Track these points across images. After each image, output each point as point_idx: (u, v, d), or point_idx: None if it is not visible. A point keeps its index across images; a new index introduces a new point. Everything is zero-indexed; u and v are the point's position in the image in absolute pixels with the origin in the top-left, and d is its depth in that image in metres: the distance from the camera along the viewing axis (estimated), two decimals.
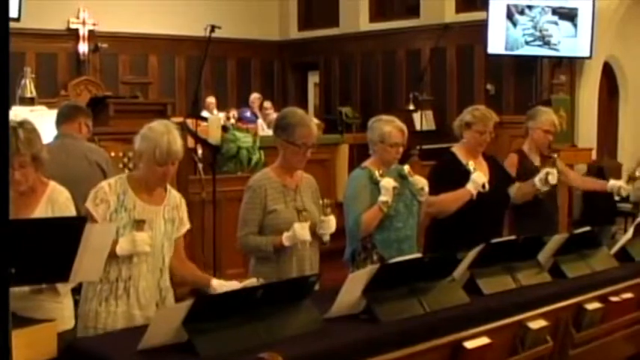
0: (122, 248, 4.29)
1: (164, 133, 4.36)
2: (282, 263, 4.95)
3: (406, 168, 5.62)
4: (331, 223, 4.98)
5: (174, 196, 4.65)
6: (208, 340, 3.44)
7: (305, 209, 4.96)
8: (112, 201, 4.41)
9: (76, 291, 4.52)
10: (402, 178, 5.59)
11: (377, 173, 5.41)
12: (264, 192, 4.96)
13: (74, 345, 3.77)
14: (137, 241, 4.31)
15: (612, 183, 6.92)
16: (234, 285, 4.38)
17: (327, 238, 5.01)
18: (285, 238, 4.84)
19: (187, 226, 4.72)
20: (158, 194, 4.56)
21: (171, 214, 4.58)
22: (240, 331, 3.55)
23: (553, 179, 6.30)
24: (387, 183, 5.34)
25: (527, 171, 6.57)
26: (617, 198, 6.84)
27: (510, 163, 6.57)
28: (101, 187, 4.46)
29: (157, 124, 4.43)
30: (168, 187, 4.64)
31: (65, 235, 3.82)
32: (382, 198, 5.34)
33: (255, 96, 16.32)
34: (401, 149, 5.58)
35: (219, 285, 4.47)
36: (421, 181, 5.58)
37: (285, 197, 5.02)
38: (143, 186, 4.49)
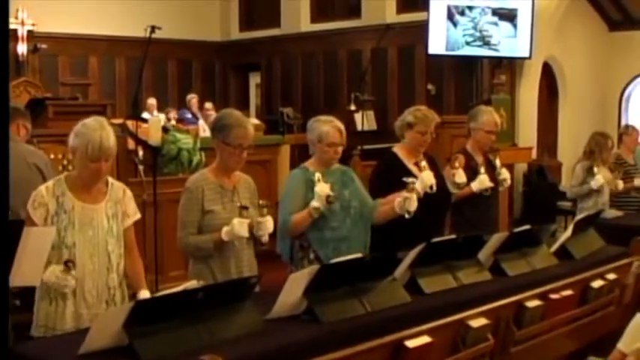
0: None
1: (97, 129, 4.37)
2: (220, 264, 4.94)
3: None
4: (268, 224, 4.94)
5: (116, 188, 4.64)
6: (149, 343, 3.42)
7: (247, 207, 4.93)
8: (51, 204, 4.38)
9: (13, 295, 4.47)
10: (345, 180, 5.61)
11: (316, 175, 5.39)
12: (202, 193, 4.95)
13: (12, 350, 3.72)
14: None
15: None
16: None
17: (265, 239, 4.98)
18: (224, 233, 4.82)
19: (135, 216, 4.72)
20: (98, 191, 4.54)
21: (114, 209, 4.57)
22: (181, 333, 3.53)
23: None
24: (321, 190, 5.32)
25: (472, 171, 6.61)
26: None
27: (463, 166, 6.56)
28: (39, 190, 4.43)
29: (91, 121, 4.44)
30: (110, 180, 4.63)
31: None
32: (314, 204, 5.32)
33: (191, 96, 16.32)
34: (340, 149, 5.57)
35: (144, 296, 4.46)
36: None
37: (223, 198, 5.00)
38: (80, 185, 4.46)
